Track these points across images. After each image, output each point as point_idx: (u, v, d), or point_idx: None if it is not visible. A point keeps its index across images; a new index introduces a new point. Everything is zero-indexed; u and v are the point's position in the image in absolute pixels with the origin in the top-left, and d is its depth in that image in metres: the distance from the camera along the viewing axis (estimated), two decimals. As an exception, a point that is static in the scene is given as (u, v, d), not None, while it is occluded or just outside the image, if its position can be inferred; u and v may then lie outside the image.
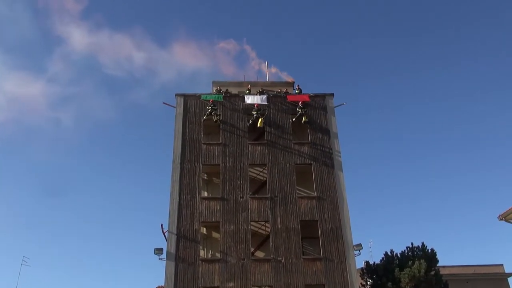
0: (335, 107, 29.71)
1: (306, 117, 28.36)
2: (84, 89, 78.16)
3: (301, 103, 28.72)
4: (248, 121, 28.26)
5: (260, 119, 27.95)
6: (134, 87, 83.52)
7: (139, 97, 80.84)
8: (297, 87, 30.82)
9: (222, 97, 29.05)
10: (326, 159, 27.52)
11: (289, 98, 29.26)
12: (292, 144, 27.99)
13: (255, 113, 28.04)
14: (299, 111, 28.40)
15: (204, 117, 28.24)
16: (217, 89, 30.67)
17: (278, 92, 30.44)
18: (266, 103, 28.62)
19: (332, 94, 30.27)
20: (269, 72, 33.95)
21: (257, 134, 28.69)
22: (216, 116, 27.83)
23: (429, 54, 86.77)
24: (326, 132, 28.68)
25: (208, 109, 28.10)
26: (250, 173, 27.26)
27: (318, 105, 29.81)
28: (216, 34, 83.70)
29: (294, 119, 28.45)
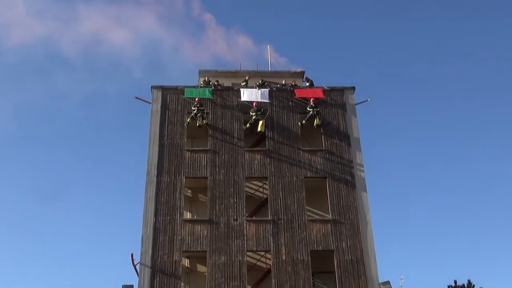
0: (356, 104, 27.24)
1: (319, 119, 26.12)
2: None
3: (313, 100, 26.31)
4: (245, 124, 26.12)
5: (260, 122, 25.72)
6: (59, 70, 72.12)
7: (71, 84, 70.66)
8: (305, 79, 28.50)
9: (211, 91, 26.45)
10: (345, 173, 25.41)
11: (298, 93, 26.90)
12: (301, 152, 25.70)
13: (254, 114, 25.89)
14: (310, 111, 26.09)
15: (188, 120, 26.07)
16: (204, 81, 27.72)
17: (283, 85, 27.87)
18: (267, 100, 26.32)
19: (353, 88, 27.73)
20: (271, 59, 31.60)
21: (256, 139, 26.42)
22: (203, 119, 25.72)
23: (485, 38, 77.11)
24: (345, 137, 26.42)
25: (194, 110, 25.91)
26: (247, 189, 25.39)
27: (335, 101, 27.33)
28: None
29: (304, 121, 26.35)
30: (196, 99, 25.92)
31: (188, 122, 25.88)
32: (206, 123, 25.73)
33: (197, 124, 25.75)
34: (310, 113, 26.03)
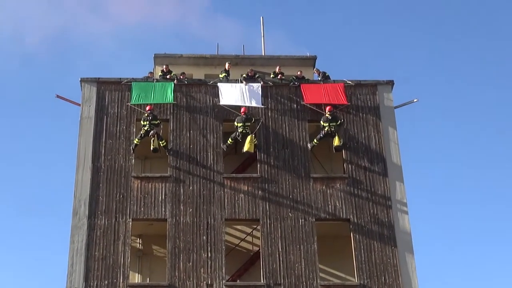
0: (396, 107, 22.70)
1: (340, 138, 21.29)
2: None
3: (330, 109, 21.36)
4: (225, 139, 21.55)
5: (249, 137, 20.90)
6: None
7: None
8: (315, 71, 23.68)
9: (172, 91, 21.61)
10: (379, 214, 21.10)
11: (307, 97, 22.13)
12: (311, 181, 21.22)
13: (240, 125, 21.10)
14: (325, 127, 21.08)
15: (135, 141, 21.37)
16: (163, 71, 22.72)
17: (283, 78, 23.22)
18: (261, 105, 21.85)
19: (391, 83, 22.94)
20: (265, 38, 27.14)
21: (241, 161, 22.24)
22: (158, 138, 21.07)
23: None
24: (379, 159, 21.80)
25: (144, 126, 21.08)
26: (228, 238, 21.40)
27: (363, 103, 22.57)
28: None
29: (315, 141, 21.58)
30: (147, 108, 20.97)
31: (136, 144, 21.24)
32: (164, 145, 21.10)
33: (151, 147, 21.23)
34: (325, 129, 20.76)
